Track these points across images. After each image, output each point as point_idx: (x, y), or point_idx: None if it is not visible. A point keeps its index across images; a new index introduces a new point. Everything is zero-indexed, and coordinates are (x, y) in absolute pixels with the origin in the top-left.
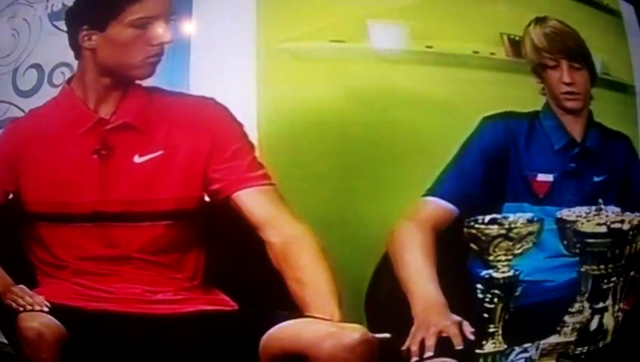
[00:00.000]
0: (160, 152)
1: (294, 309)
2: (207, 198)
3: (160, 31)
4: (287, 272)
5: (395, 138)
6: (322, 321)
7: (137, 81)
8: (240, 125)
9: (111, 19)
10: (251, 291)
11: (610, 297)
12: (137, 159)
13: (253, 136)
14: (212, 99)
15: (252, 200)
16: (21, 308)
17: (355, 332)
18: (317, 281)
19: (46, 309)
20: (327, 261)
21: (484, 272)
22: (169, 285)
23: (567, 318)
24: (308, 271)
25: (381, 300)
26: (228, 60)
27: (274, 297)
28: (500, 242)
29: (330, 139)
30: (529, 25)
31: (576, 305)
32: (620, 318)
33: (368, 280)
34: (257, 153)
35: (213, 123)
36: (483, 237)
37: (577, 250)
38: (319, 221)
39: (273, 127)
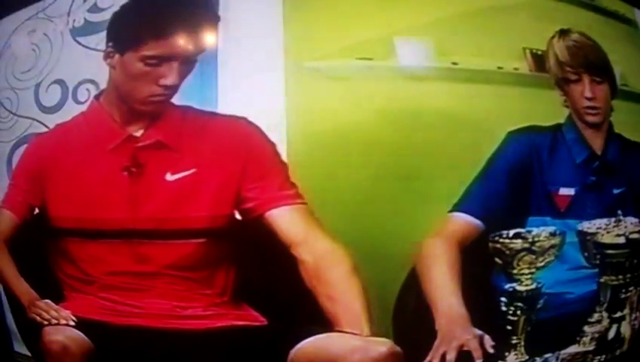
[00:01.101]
0: (192, 170)
1: (323, 325)
2: (238, 216)
3: (168, 72)
4: (318, 289)
5: (422, 155)
6: (350, 335)
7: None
8: (272, 144)
9: (130, 46)
10: (281, 307)
11: (627, 306)
12: (169, 177)
13: (283, 155)
14: (244, 118)
15: (284, 219)
16: (46, 322)
17: (382, 346)
18: (348, 298)
19: (72, 323)
20: (358, 278)
21: (507, 285)
22: (199, 301)
23: (586, 328)
24: (339, 288)
25: (408, 314)
26: (256, 79)
27: (303, 313)
28: (524, 256)
29: (358, 156)
30: (552, 37)
31: (596, 315)
32: (637, 326)
33: (396, 295)
34: (289, 172)
35: (245, 142)
36: (507, 251)
37: (597, 261)
38: (348, 238)
39: (302, 146)
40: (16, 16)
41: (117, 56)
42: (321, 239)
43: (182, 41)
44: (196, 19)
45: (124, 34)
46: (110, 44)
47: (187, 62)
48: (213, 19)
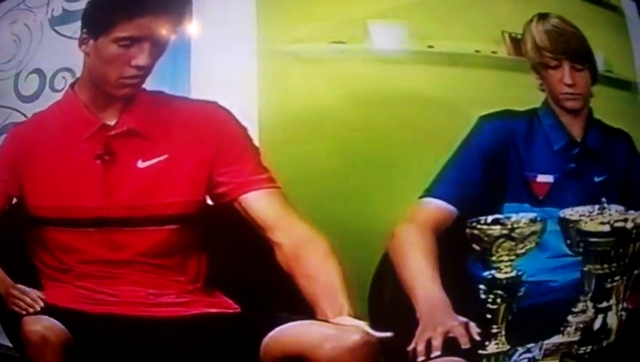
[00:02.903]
0: (164, 157)
1: (296, 312)
2: (209, 202)
3: (139, 53)
4: (297, 271)
5: (396, 139)
6: (323, 323)
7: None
8: (244, 128)
9: (103, 30)
10: (253, 293)
11: (613, 296)
12: (141, 164)
13: (256, 139)
14: (215, 103)
15: (259, 203)
16: (24, 312)
17: (354, 334)
18: (327, 276)
19: (41, 304)
20: (335, 259)
21: (486, 273)
22: (172, 288)
23: (570, 318)
24: (317, 267)
25: (385, 301)
26: (229, 63)
27: (276, 300)
28: (503, 242)
29: (332, 140)
30: (531, 21)
31: (580, 305)
32: (624, 317)
33: (370, 281)
34: (261, 156)
35: (217, 127)
36: (485, 238)
37: (581, 250)
38: (321, 222)
39: (275, 130)
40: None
41: (91, 41)
42: (296, 222)
43: (152, 22)
44: (166, 1)
45: (97, 19)
46: (84, 30)
47: (158, 44)
48: (184, 1)
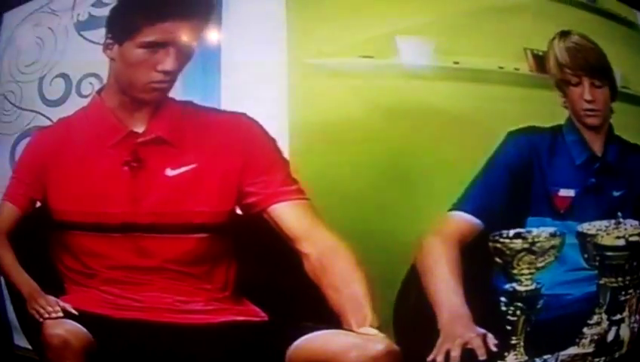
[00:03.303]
0: (193, 166)
1: (322, 321)
2: (239, 211)
3: (165, 58)
4: (323, 280)
5: (422, 153)
6: (348, 333)
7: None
8: (273, 140)
9: (128, 34)
10: (281, 302)
11: (626, 309)
12: (169, 172)
13: (285, 151)
14: (244, 114)
15: (287, 214)
16: (41, 319)
17: (379, 344)
18: (352, 287)
19: (61, 315)
20: (361, 270)
21: (507, 285)
22: (200, 295)
23: (585, 330)
24: (343, 278)
25: (408, 312)
26: (259, 75)
27: (303, 309)
28: (524, 256)
29: (360, 153)
30: (553, 39)
31: (595, 317)
32: (636, 329)
33: (396, 292)
34: (291, 168)
35: (246, 138)
36: (507, 251)
37: (597, 263)
38: (349, 234)
39: (304, 143)
40: (20, 10)
41: (116, 46)
42: (324, 233)
43: (176, 27)
44: (191, 6)
45: (121, 23)
46: (109, 35)
47: (184, 49)
48: (210, 7)
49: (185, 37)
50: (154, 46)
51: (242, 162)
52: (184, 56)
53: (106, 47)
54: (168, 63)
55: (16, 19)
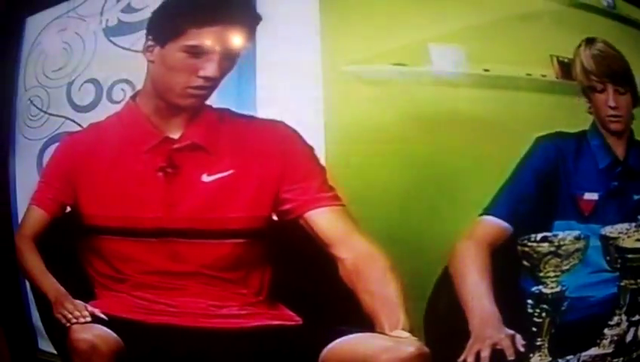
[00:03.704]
0: (229, 172)
1: (356, 324)
2: (275, 218)
3: (207, 64)
4: (357, 285)
5: (455, 159)
6: (380, 336)
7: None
8: (310, 147)
9: (171, 37)
10: (315, 307)
11: None
12: (206, 178)
13: (322, 158)
14: (282, 122)
15: (323, 220)
16: (68, 323)
17: (410, 346)
18: (386, 291)
19: (89, 320)
20: (394, 275)
21: (534, 288)
22: (234, 300)
23: (606, 331)
24: (378, 282)
25: (440, 315)
26: (294, 83)
27: (338, 313)
28: (550, 259)
29: (395, 160)
30: (579, 46)
31: (615, 318)
32: None
33: (428, 295)
34: (327, 175)
35: (283, 145)
36: (535, 255)
37: (618, 266)
38: (384, 239)
39: (340, 150)
40: (44, 15)
41: (157, 49)
42: (359, 239)
43: (223, 33)
44: (237, 14)
45: (165, 25)
46: (150, 37)
47: (227, 57)
48: (254, 17)
49: (230, 43)
50: (198, 50)
51: (279, 169)
52: (227, 63)
53: (147, 49)
54: (210, 69)
55: (40, 24)
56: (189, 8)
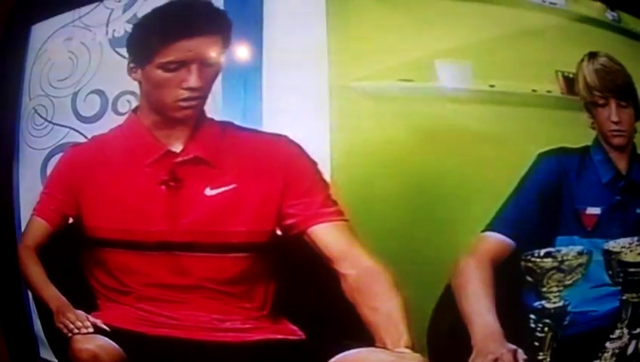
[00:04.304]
0: (232, 186)
1: (357, 340)
2: (278, 232)
3: (188, 75)
4: (360, 301)
5: (459, 175)
6: (382, 350)
7: (210, 115)
8: (314, 163)
9: (147, 58)
10: (318, 321)
11: None
12: (209, 192)
13: (326, 174)
14: (285, 136)
15: (327, 235)
16: (71, 333)
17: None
18: (388, 307)
19: (91, 330)
20: (397, 291)
21: (537, 303)
22: (237, 314)
23: (608, 344)
24: (380, 298)
25: (442, 331)
26: (300, 99)
27: (340, 328)
28: (553, 274)
29: (398, 175)
30: (582, 61)
31: (617, 332)
32: None
33: (431, 312)
34: (331, 190)
35: (287, 160)
36: (538, 270)
37: (620, 279)
38: (387, 254)
39: (345, 165)
40: (49, 23)
41: (139, 70)
42: (362, 255)
43: (192, 44)
44: (203, 23)
45: (139, 47)
46: (131, 59)
47: (205, 65)
48: (223, 20)
49: (203, 53)
50: (174, 65)
51: (283, 184)
52: (208, 71)
53: (131, 71)
54: (192, 80)
55: (45, 33)
56: (155, 28)
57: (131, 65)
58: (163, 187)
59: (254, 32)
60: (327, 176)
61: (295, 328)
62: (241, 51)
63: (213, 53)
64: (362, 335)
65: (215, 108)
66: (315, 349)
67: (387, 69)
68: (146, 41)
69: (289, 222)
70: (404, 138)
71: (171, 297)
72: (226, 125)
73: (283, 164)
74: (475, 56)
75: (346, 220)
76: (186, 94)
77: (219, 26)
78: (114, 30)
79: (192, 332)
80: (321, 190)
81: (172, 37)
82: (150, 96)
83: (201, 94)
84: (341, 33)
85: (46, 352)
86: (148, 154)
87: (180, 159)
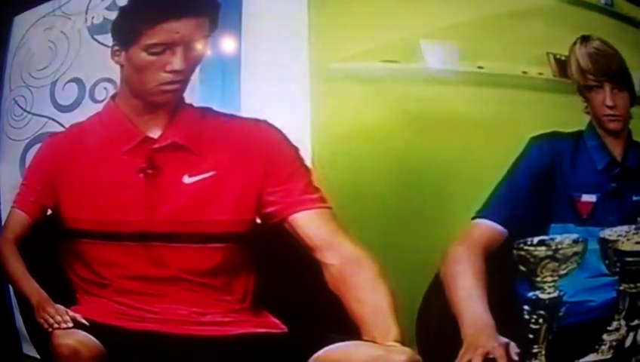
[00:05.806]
0: (211, 173)
1: (344, 333)
2: (258, 221)
3: (172, 58)
4: (344, 292)
5: (447, 160)
6: (370, 344)
7: (188, 101)
8: (294, 148)
9: (132, 40)
10: (301, 314)
11: None
12: (187, 179)
13: (307, 159)
14: (265, 121)
15: (309, 223)
16: (51, 328)
17: (401, 355)
18: (375, 299)
19: (71, 325)
20: (384, 281)
21: (531, 293)
22: (218, 307)
23: (605, 336)
24: (366, 289)
25: (431, 322)
26: (280, 82)
27: (324, 320)
28: (547, 263)
29: (383, 160)
30: (574, 44)
31: (614, 324)
32: None
33: (419, 302)
34: (313, 177)
35: (267, 145)
36: (531, 259)
37: (617, 269)
38: (372, 243)
39: (327, 150)
40: (32, 13)
41: (123, 53)
42: (346, 244)
43: (178, 26)
44: (189, 5)
45: (124, 30)
46: (115, 42)
47: (190, 47)
48: (210, 4)
49: (189, 35)
50: (159, 47)
51: (263, 170)
52: (193, 54)
53: (114, 54)
54: (176, 63)
55: (27, 23)
56: (141, 9)
57: (115, 48)
58: (141, 175)
59: (233, 13)
60: (308, 162)
61: (277, 321)
62: (220, 33)
63: (199, 35)
64: (348, 328)
65: (192, 92)
66: (299, 343)
67: (371, 49)
68: (133, 23)
69: (269, 210)
70: (389, 122)
71: (150, 290)
72: (205, 111)
73: (263, 150)
74: (463, 37)
75: (328, 207)
76: (168, 78)
77: (207, 8)
78: (93, 17)
79: (171, 326)
80: (302, 176)
81: (159, 18)
82: (131, 79)
83: (183, 78)
84: (322, 12)
85: (29, 348)
86: (126, 141)
87: (157, 145)
